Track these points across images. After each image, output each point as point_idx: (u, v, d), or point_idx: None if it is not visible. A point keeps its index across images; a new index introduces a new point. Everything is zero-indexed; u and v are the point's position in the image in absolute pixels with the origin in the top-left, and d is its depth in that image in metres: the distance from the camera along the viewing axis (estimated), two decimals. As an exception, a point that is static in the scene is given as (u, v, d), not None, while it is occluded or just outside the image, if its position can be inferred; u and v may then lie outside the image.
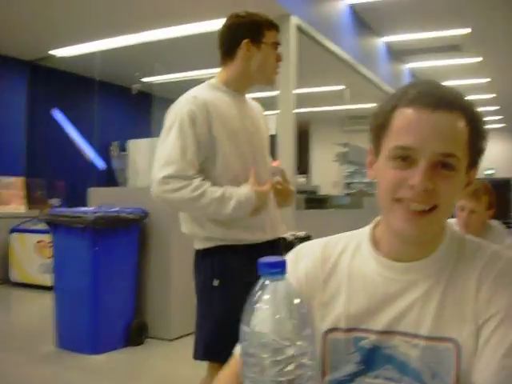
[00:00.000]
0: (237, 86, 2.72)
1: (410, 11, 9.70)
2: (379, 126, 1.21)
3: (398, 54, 12.62)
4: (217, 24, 8.25)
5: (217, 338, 2.63)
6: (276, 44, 2.75)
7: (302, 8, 8.07)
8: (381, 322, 1.20)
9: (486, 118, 1.21)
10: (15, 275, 8.68)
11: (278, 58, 2.78)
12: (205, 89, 2.69)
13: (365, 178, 18.69)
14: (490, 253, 1.21)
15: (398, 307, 1.19)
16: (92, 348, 5.08)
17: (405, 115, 1.15)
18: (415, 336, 1.17)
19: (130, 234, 5.41)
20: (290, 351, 0.83)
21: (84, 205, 6.18)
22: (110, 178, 10.20)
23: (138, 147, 8.75)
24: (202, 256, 2.75)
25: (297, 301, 0.87)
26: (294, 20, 7.71)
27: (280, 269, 0.87)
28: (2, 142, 10.14)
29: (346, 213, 10.36)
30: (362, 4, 9.67)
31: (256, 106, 2.94)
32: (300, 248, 1.39)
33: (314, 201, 9.52)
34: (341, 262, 1.30)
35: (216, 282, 2.65)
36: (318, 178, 16.83)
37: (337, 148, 13.37)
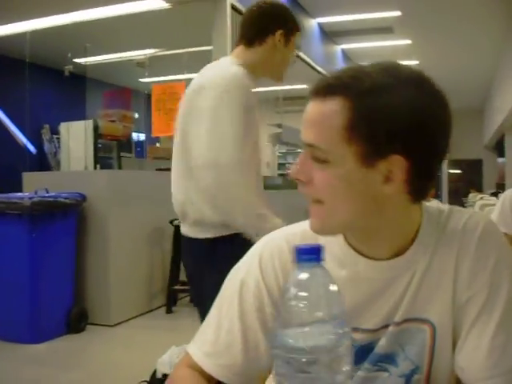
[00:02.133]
0: (254, 71, 2.59)
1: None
2: None
3: (330, 35, 12.70)
4: (150, 4, 8.13)
5: None
6: (297, 47, 2.77)
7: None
8: (365, 321, 1.16)
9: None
10: None
11: (294, 60, 2.77)
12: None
13: (297, 159, 18.87)
14: (464, 223, 1.16)
15: (382, 304, 1.15)
16: (31, 337, 4.97)
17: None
18: (387, 326, 1.15)
19: (67, 219, 5.31)
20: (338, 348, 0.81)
21: (17, 190, 6.03)
22: (42, 162, 9.99)
23: (70, 130, 8.53)
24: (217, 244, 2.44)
25: (333, 288, 0.85)
26: (230, 1, 7.66)
27: (317, 255, 0.85)
28: None
29: (280, 194, 10.42)
30: (296, -15, 9.68)
31: None
32: (262, 249, 1.26)
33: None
34: None
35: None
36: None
37: (270, 129, 13.37)
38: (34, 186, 5.53)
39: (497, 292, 1.09)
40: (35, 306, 5.00)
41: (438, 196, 19.30)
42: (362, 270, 1.16)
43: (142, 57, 10.32)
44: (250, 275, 1.21)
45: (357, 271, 1.16)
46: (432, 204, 1.23)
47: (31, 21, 8.80)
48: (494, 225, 1.18)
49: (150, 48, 10.18)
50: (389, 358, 1.16)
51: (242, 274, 1.23)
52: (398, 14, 10.72)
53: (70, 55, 9.78)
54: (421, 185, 1.08)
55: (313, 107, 1.07)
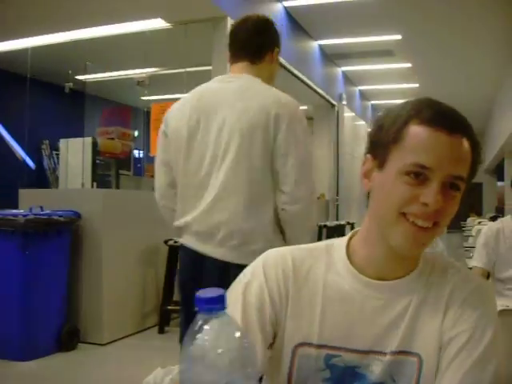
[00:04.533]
0: None
1: (344, 16, 9.82)
2: (389, 139, 1.18)
3: (331, 57, 12.76)
4: (151, 24, 8.17)
5: None
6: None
7: (238, 10, 8.05)
8: (356, 341, 1.21)
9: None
10: None
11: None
12: None
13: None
14: (460, 275, 1.26)
15: (375, 326, 1.21)
16: (22, 354, 4.95)
17: (422, 134, 1.15)
18: (381, 353, 1.21)
19: (61, 237, 5.31)
20: None
21: (14, 206, 6.04)
22: (40, 178, 9.99)
23: (69, 146, 8.55)
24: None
25: (238, 334, 0.83)
26: (230, 21, 7.70)
27: (220, 304, 0.82)
28: None
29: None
30: (298, 7, 9.72)
31: None
32: (267, 256, 1.32)
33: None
34: (314, 273, 1.27)
35: None
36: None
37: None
38: (30, 203, 5.54)
39: (479, 337, 1.16)
40: (26, 323, 4.98)
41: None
42: (361, 288, 1.23)
43: (143, 75, 10.38)
44: (255, 278, 1.26)
45: (355, 288, 1.23)
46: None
47: (33, 38, 8.85)
48: (491, 286, 1.25)
49: (150, 67, 10.25)
50: None
51: (247, 278, 1.27)
52: (398, 37, 10.81)
53: (70, 72, 9.84)
54: None
55: (456, 141, 1.16)
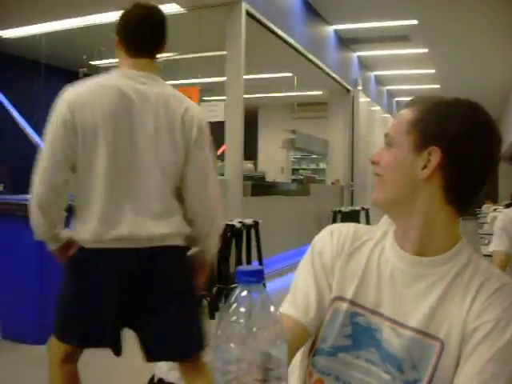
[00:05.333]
0: None
1: (360, 0, 9.74)
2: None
3: (346, 42, 12.70)
4: (165, 8, 8.13)
5: None
6: None
7: (253, -6, 8.03)
8: (383, 307, 1.31)
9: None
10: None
11: None
12: None
13: (312, 165, 18.78)
14: (492, 272, 1.30)
15: (398, 295, 1.30)
16: (38, 338, 4.98)
17: None
18: (402, 325, 1.27)
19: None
20: (266, 364, 0.84)
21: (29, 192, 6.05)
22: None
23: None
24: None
25: (272, 308, 0.88)
26: (244, 6, 7.67)
27: (257, 277, 0.88)
28: None
29: (293, 199, 10.40)
30: (312, -9, 9.68)
31: None
32: (334, 227, 1.50)
33: (261, 187, 9.50)
34: (367, 244, 1.41)
35: None
36: (265, 164, 16.85)
37: (284, 134, 13.38)
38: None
39: (502, 329, 1.18)
40: (43, 307, 5.00)
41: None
42: (397, 260, 1.34)
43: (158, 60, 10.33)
44: (320, 240, 1.46)
45: (393, 260, 1.35)
46: None
47: (47, 23, 8.86)
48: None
49: (165, 52, 10.17)
50: (396, 362, 1.25)
51: (317, 242, 1.47)
52: (414, 22, 10.73)
53: (85, 57, 9.84)
54: (455, 191, 1.29)
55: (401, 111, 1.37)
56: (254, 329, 0.84)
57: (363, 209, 12.69)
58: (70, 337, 2.65)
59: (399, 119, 1.34)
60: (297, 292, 1.39)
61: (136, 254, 2.45)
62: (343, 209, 11.99)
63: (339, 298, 1.36)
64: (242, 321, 0.85)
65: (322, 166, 17.37)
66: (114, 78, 2.55)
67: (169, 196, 2.55)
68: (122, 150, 2.47)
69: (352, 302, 1.34)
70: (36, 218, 2.61)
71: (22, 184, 6.81)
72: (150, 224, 2.47)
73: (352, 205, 13.25)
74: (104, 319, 2.51)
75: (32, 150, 11.01)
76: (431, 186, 1.27)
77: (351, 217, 11.70)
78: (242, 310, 0.85)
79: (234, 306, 0.86)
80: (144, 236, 2.46)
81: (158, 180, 2.52)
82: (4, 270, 5.18)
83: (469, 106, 1.31)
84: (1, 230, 5.22)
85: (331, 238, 1.44)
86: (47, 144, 2.47)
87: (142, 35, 2.62)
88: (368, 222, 12.47)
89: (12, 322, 5.10)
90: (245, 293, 0.87)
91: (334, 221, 11.16)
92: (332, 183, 13.61)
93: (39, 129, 10.82)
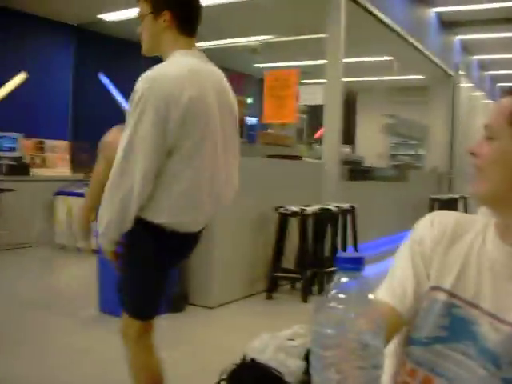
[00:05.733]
0: None
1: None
2: None
3: (448, 25, 12.37)
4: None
5: None
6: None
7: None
8: (483, 300, 1.26)
9: None
10: (60, 238, 8.80)
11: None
12: None
13: (410, 150, 18.48)
14: None
15: (499, 289, 1.25)
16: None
17: None
18: (502, 320, 1.21)
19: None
20: (364, 351, 0.83)
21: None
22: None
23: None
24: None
25: (371, 296, 0.88)
26: (345, -12, 7.60)
27: (359, 265, 0.88)
28: (49, 105, 10.23)
29: (391, 185, 10.27)
30: (414, -27, 9.47)
31: None
32: (435, 214, 1.47)
33: (359, 172, 9.41)
34: (467, 236, 1.37)
35: None
36: (363, 148, 16.68)
37: (384, 119, 13.21)
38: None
39: None
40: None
41: None
42: (499, 253, 1.29)
43: (256, 43, 10.39)
44: (421, 228, 1.44)
45: (495, 253, 1.30)
46: None
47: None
48: None
49: (263, 35, 10.24)
50: (493, 358, 1.20)
51: (417, 230, 1.44)
52: (522, 3, 10.32)
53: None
54: None
55: (501, 100, 1.30)
56: (352, 315, 0.83)
57: (462, 197, 12.38)
58: (152, 312, 2.72)
59: (501, 109, 1.27)
60: (394, 279, 1.38)
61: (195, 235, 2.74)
62: (441, 196, 11.74)
63: (437, 288, 1.33)
64: (340, 307, 0.84)
65: (420, 152, 17.06)
66: (191, 60, 2.52)
67: None
68: (215, 135, 2.52)
69: (450, 293, 1.31)
70: (119, 215, 2.36)
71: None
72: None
73: (450, 193, 12.95)
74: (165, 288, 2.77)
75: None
76: None
77: (449, 205, 11.45)
78: (341, 296, 0.85)
79: (334, 291, 0.86)
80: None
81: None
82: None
83: None
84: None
85: (432, 226, 1.41)
86: (144, 131, 2.31)
87: (198, 14, 2.60)
88: (466, 211, 12.14)
89: (111, 297, 5.22)
90: (345, 279, 0.86)
91: (432, 208, 10.96)
92: (431, 169, 13.35)
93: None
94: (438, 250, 1.36)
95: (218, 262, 5.73)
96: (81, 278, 7.21)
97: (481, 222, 1.39)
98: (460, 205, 12.37)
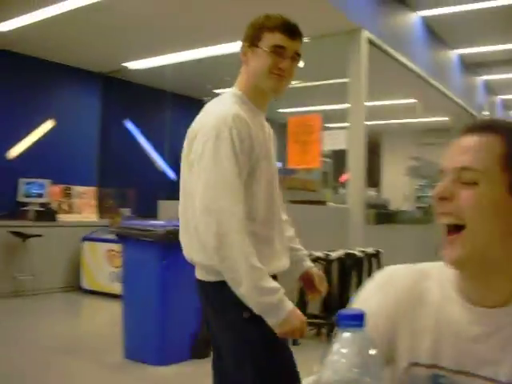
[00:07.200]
0: (250, 96, 2.40)
1: (483, 23, 9.52)
2: None
3: (471, 66, 12.41)
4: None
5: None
6: (277, 47, 2.32)
7: (373, 21, 8.01)
8: (461, 362, 1.15)
9: None
10: (86, 283, 8.86)
11: (275, 63, 2.32)
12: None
13: (436, 192, 18.42)
14: None
15: (481, 350, 1.14)
16: (158, 360, 5.12)
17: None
18: (494, 381, 1.12)
19: (198, 247, 5.42)
20: None
21: (154, 216, 6.26)
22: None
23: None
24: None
25: (373, 352, 0.88)
26: (365, 34, 7.68)
27: (360, 321, 0.88)
28: (76, 152, 10.38)
29: (416, 228, 10.20)
30: (434, 16, 9.56)
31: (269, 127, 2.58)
32: (389, 272, 1.33)
33: (384, 215, 9.37)
34: (430, 295, 1.23)
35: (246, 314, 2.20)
36: (389, 191, 16.63)
37: (408, 161, 13.20)
38: (169, 213, 5.74)
39: None
40: (163, 329, 5.14)
41: None
42: (466, 314, 1.18)
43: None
44: (370, 300, 1.27)
45: (462, 314, 1.18)
46: None
47: (173, 54, 9.19)
48: None
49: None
50: None
51: (366, 293, 1.31)
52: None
53: (209, 86, 10.10)
54: None
55: (470, 138, 1.15)
56: (355, 370, 0.84)
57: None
58: None
59: (486, 149, 1.12)
60: None
61: None
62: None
63: (414, 364, 1.20)
64: (343, 361, 0.85)
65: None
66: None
67: None
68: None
69: (430, 365, 1.18)
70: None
71: (145, 208, 7.07)
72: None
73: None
74: None
75: (156, 176, 11.50)
76: None
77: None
78: (344, 351, 0.86)
79: (337, 345, 0.87)
80: None
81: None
82: (130, 293, 5.36)
83: None
84: (127, 253, 5.41)
85: (384, 294, 1.27)
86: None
87: None
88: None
89: (135, 344, 5.25)
90: (347, 334, 0.87)
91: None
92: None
93: (165, 155, 11.23)
94: (400, 320, 1.23)
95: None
96: (106, 322, 7.23)
97: (435, 275, 1.26)
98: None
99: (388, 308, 1.23)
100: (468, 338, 1.16)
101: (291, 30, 2.35)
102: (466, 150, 1.14)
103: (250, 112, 2.35)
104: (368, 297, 1.28)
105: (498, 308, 1.14)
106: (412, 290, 1.24)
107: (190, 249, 2.41)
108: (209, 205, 2.15)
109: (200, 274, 2.38)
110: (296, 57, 2.38)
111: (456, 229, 1.12)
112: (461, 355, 1.16)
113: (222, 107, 2.30)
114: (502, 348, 1.12)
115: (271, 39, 2.32)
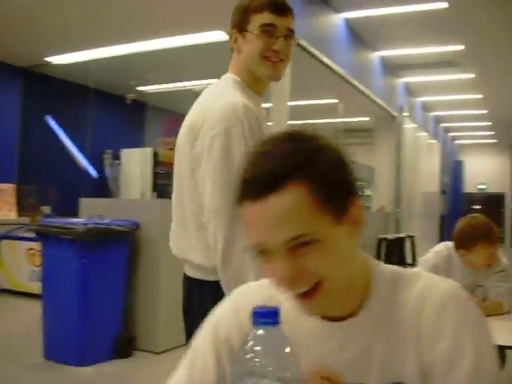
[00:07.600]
0: (247, 83, 2.27)
1: (405, 26, 9.72)
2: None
3: (392, 68, 12.66)
4: (211, 36, 8.26)
5: None
6: (266, 26, 2.17)
7: (297, 22, 8.03)
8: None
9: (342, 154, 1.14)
10: (5, 282, 8.65)
11: (268, 45, 2.18)
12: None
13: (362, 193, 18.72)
14: (422, 284, 1.15)
15: (342, 361, 1.11)
16: (80, 360, 5.05)
17: (246, 211, 1.04)
18: None
19: (120, 246, 5.40)
20: None
21: (75, 214, 6.17)
22: (102, 187, 10.20)
23: (131, 157, 8.72)
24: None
25: (288, 350, 0.87)
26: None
27: (273, 319, 0.88)
28: (-5, 148, 10.13)
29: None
30: (358, 18, 9.69)
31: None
32: (237, 295, 1.30)
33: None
34: (283, 309, 1.07)
35: None
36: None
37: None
38: (90, 212, 5.68)
39: (457, 363, 1.05)
40: (85, 329, 5.07)
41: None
42: (321, 328, 1.16)
43: (201, 87, 10.44)
44: (224, 321, 1.23)
45: (317, 329, 1.16)
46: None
47: (96, 50, 9.06)
48: (458, 290, 1.14)
49: (208, 78, 10.31)
50: None
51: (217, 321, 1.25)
52: (461, 47, 10.67)
53: (132, 83, 10.02)
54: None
55: (272, 203, 1.00)
56: (270, 369, 0.83)
57: (409, 236, 12.54)
58: None
59: (294, 211, 1.00)
60: (195, 372, 1.23)
61: None
62: (389, 236, 11.88)
63: None
64: (257, 360, 0.84)
65: (367, 192, 17.30)
66: None
67: None
68: None
69: None
70: None
71: (66, 206, 6.96)
72: None
73: (398, 232, 13.11)
74: None
75: (78, 173, 11.33)
76: (348, 235, 1.11)
77: (396, 244, 11.58)
78: (257, 348, 0.85)
79: (250, 343, 0.86)
80: None
81: None
82: (49, 292, 5.27)
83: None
84: (47, 252, 5.32)
85: (237, 313, 1.22)
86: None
87: None
88: (414, 250, 12.31)
89: (56, 344, 5.17)
90: (261, 332, 0.86)
91: (379, 248, 11.07)
92: (378, 209, 13.52)
93: (87, 153, 11.07)
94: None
95: (165, 306, 5.66)
96: (25, 323, 7.07)
97: (267, 291, 1.20)
98: (407, 243, 12.52)
99: (243, 330, 1.16)
100: (323, 352, 1.13)
101: (280, 7, 2.22)
102: (278, 219, 1.00)
103: (251, 100, 2.21)
104: (223, 319, 1.24)
105: (348, 320, 1.14)
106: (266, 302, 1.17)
107: (186, 248, 2.32)
108: (219, 205, 2.06)
109: (196, 274, 2.33)
110: (290, 34, 2.26)
111: (312, 287, 1.06)
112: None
113: (228, 96, 2.16)
114: (358, 357, 1.11)
115: (260, 20, 2.17)
